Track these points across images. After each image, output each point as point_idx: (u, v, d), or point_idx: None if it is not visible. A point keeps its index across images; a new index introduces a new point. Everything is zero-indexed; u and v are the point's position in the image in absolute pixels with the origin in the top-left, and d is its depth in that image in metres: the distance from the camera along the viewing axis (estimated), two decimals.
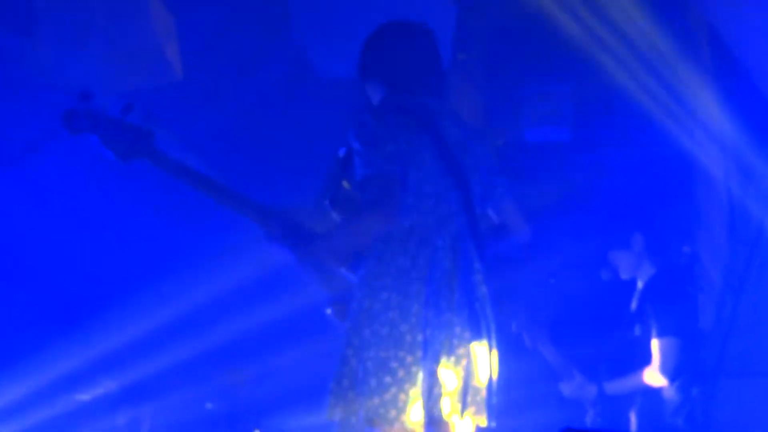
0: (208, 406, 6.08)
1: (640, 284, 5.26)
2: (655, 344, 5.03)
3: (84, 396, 5.64)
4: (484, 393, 3.35)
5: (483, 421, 3.37)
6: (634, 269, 5.25)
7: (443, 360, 3.30)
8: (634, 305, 5.26)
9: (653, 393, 5.09)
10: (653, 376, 5.05)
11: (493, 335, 3.41)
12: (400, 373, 3.25)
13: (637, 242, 5.23)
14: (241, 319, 6.02)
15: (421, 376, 3.26)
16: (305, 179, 5.67)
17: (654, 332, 5.05)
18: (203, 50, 5.65)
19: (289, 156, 6.17)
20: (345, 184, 3.52)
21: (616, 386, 5.18)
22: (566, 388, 5.32)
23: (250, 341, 6.15)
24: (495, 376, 3.40)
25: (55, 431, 5.61)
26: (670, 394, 5.04)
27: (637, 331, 5.17)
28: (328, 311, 3.53)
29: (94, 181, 5.66)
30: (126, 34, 5.01)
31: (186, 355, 5.93)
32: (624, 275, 5.30)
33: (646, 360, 5.08)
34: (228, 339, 6.04)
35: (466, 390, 3.32)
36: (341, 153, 3.56)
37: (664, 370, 5.01)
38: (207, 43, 5.68)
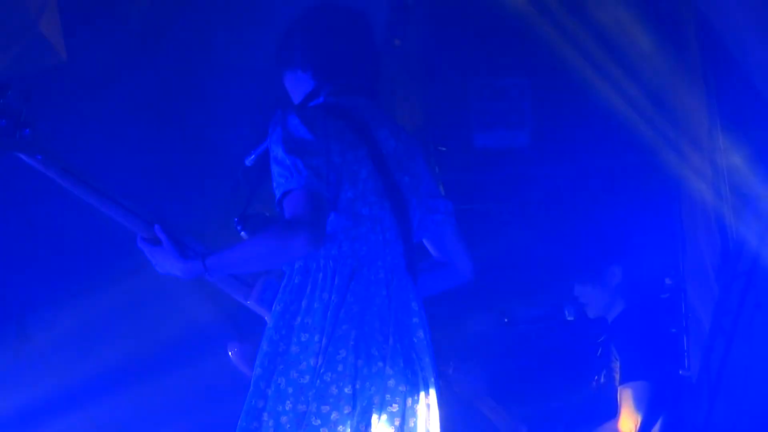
0: None
1: (608, 321, 5.22)
2: (621, 392, 4.95)
3: None
4: None
5: None
6: (607, 308, 5.16)
7: (374, 418, 3.20)
8: (599, 349, 5.24)
9: None
10: (624, 428, 4.94)
11: (433, 389, 3.33)
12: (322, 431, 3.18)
13: (614, 276, 5.13)
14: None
15: None
16: (205, 188, 5.91)
17: (620, 378, 4.97)
18: (92, 29, 5.59)
19: (188, 159, 6.09)
20: (257, 202, 3.47)
21: None
22: None
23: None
24: None
25: None
26: None
27: (602, 378, 5.16)
28: (231, 353, 3.50)
29: None
30: None
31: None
32: (592, 314, 5.21)
33: (612, 413, 5.01)
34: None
35: None
36: (249, 161, 3.49)
37: (635, 419, 4.87)
38: (95, 21, 5.62)
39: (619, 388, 4.93)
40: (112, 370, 6.01)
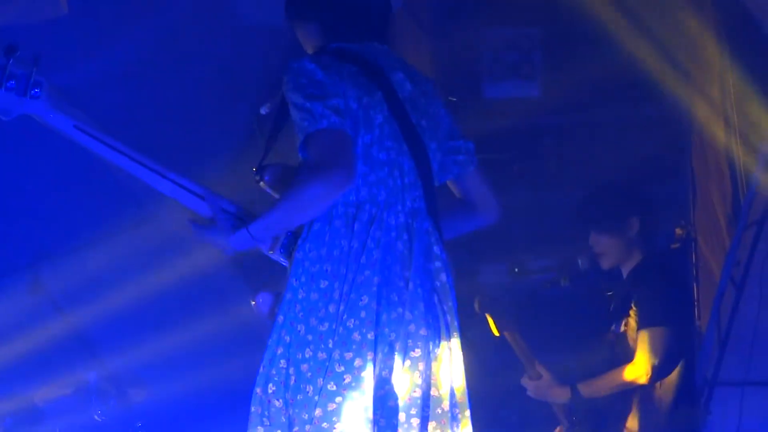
0: (97, 418, 5.98)
1: (624, 273, 5.25)
2: (638, 335, 5.02)
3: None
4: (446, 404, 3.25)
5: None
6: (622, 258, 5.23)
7: (396, 364, 3.19)
8: (616, 300, 5.27)
9: (647, 405, 5.08)
10: (635, 371, 5.01)
11: (456, 334, 3.33)
12: (347, 378, 3.14)
13: (632, 227, 5.18)
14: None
15: (372, 383, 3.15)
16: (218, 142, 5.94)
17: (638, 323, 5.04)
18: None
19: (200, 114, 6.07)
20: (274, 152, 3.43)
21: (592, 387, 5.12)
22: (531, 387, 5.26)
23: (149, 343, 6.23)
24: (459, 384, 3.32)
25: None
26: (665, 403, 5.06)
27: (621, 327, 5.17)
28: (253, 302, 3.41)
29: None
30: None
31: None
32: (606, 264, 5.26)
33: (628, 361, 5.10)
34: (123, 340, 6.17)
35: (425, 401, 3.22)
36: (264, 111, 3.52)
37: (650, 363, 4.97)
38: None
39: (637, 333, 5.00)
40: (124, 318, 6.06)
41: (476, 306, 5.21)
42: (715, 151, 5.64)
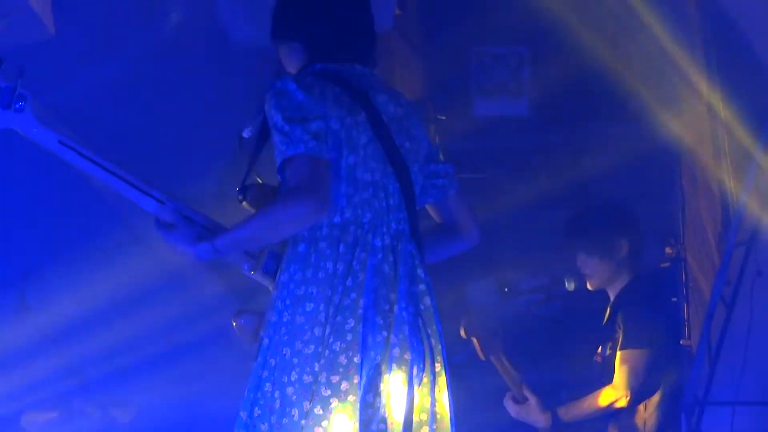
0: None
1: (611, 295, 5.24)
2: (617, 357, 5.01)
3: None
4: (426, 429, 3.25)
5: None
6: (610, 280, 5.21)
7: (382, 387, 3.20)
8: (605, 320, 5.24)
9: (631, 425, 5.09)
10: (613, 394, 4.99)
11: (440, 358, 3.33)
12: (333, 402, 3.14)
13: (621, 249, 5.18)
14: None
15: (358, 407, 3.16)
16: (200, 162, 5.89)
17: (620, 345, 5.03)
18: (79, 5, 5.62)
19: (182, 133, 6.08)
20: (255, 172, 3.45)
21: (571, 411, 5.11)
22: (513, 409, 5.24)
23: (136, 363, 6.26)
24: (442, 409, 3.31)
25: None
26: (649, 426, 5.03)
27: (607, 351, 5.16)
28: (235, 323, 3.40)
29: None
30: None
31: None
32: (593, 285, 5.25)
33: None
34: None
35: (407, 426, 3.22)
36: (246, 133, 3.48)
37: (629, 385, 4.94)
38: None
39: (618, 352, 4.98)
40: (110, 340, 6.03)
41: (462, 331, 5.19)
42: (704, 171, 5.66)
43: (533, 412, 5.12)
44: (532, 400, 5.11)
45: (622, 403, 4.94)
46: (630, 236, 5.14)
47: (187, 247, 3.32)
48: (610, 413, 5.00)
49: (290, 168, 3.18)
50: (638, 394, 4.94)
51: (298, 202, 3.15)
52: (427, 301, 3.32)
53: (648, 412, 4.99)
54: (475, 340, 5.17)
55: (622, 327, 5.00)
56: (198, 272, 6.03)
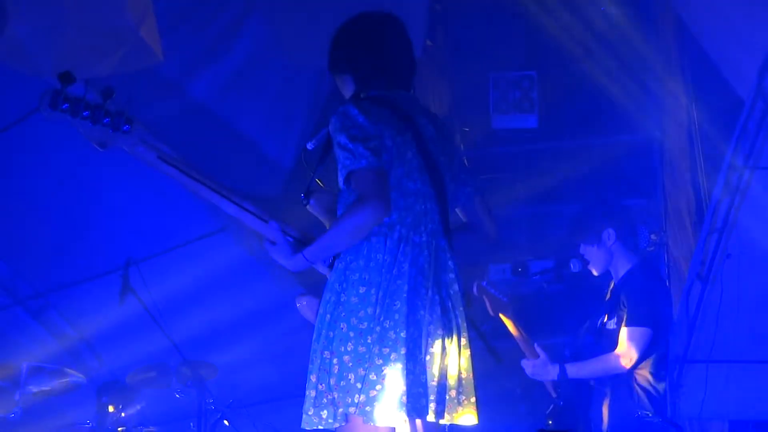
0: (177, 395, 6.31)
1: (616, 277, 5.35)
2: (623, 332, 5.10)
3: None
4: (453, 392, 3.43)
5: (466, 419, 3.47)
6: (608, 265, 5.34)
7: (421, 357, 3.36)
8: (608, 296, 5.36)
9: (623, 384, 5.18)
10: (615, 361, 5.12)
11: (465, 333, 3.47)
12: (384, 369, 3.27)
13: (610, 237, 5.30)
14: (210, 311, 6.29)
15: (405, 373, 3.29)
16: (268, 170, 6.06)
17: (625, 321, 5.13)
18: (179, 31, 5.63)
19: (251, 147, 6.24)
20: (318, 181, 3.58)
21: (577, 369, 5.23)
22: (529, 367, 5.34)
23: (218, 333, 6.46)
24: (467, 375, 3.47)
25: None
26: (644, 382, 5.15)
27: (610, 323, 5.26)
28: (299, 303, 3.54)
29: (69, 166, 5.78)
30: (99, 15, 4.95)
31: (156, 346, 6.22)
32: (596, 271, 5.38)
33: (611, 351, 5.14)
34: (197, 331, 6.33)
35: (441, 388, 3.39)
36: (310, 146, 3.61)
37: (631, 356, 5.08)
38: (179, 25, 5.64)
39: (622, 328, 5.13)
40: (204, 326, 6.37)
41: (474, 289, 5.32)
42: (682, 171, 5.90)
43: (545, 367, 5.27)
44: (542, 355, 5.27)
45: (624, 366, 5.11)
46: (615, 225, 5.29)
47: (285, 261, 3.44)
48: (610, 375, 5.18)
49: (355, 180, 3.32)
50: (637, 361, 5.10)
51: (367, 209, 3.29)
52: (456, 287, 3.48)
53: (640, 369, 5.15)
54: (485, 299, 5.38)
55: (626, 306, 5.14)
56: (269, 271, 6.27)
